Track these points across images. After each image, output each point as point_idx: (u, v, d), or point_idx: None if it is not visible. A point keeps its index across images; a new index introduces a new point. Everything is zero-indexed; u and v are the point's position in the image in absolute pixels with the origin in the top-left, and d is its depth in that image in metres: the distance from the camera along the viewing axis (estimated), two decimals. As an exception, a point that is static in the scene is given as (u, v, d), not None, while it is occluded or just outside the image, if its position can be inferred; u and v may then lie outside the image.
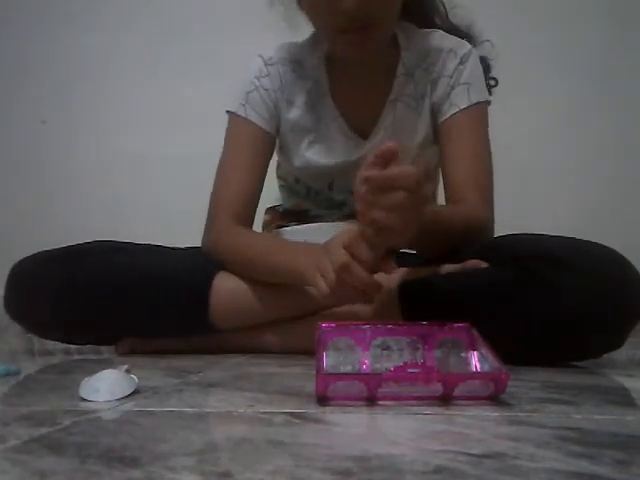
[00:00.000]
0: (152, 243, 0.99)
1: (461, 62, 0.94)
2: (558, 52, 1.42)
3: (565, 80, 1.43)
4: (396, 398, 0.50)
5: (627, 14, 1.42)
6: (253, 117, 0.96)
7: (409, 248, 0.86)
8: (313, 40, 1.00)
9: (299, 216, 1.08)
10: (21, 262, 0.93)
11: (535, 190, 1.39)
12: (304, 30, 0.95)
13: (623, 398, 0.58)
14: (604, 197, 1.39)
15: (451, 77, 0.94)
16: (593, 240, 0.78)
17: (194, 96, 1.52)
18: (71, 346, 1.04)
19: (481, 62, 0.99)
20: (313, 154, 0.99)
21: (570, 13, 1.43)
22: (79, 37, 1.61)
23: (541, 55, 1.43)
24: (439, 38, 0.97)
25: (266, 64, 0.98)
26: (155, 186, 1.55)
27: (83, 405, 0.50)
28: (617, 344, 0.77)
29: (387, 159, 0.61)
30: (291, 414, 0.45)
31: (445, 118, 0.94)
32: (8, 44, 1.65)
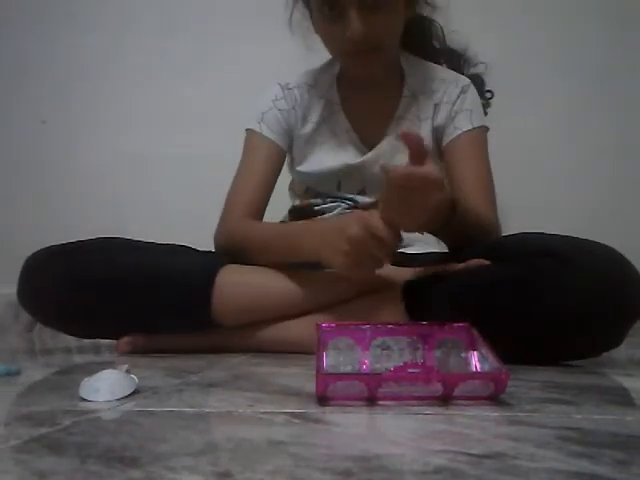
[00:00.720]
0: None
1: (462, 92, 1.04)
2: (558, 52, 1.42)
3: (565, 80, 1.42)
4: (396, 398, 0.50)
5: (627, 14, 1.42)
6: (267, 133, 1.06)
7: (428, 232, 0.90)
8: (328, 63, 1.10)
9: (306, 213, 1.11)
10: (33, 255, 0.94)
11: (535, 190, 1.39)
12: (321, 52, 1.03)
13: (623, 398, 0.58)
14: (604, 197, 1.39)
15: (453, 104, 1.03)
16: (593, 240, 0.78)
17: (194, 96, 1.52)
18: (71, 346, 1.04)
19: (476, 78, 1.10)
20: (322, 160, 1.07)
21: (570, 13, 1.43)
22: (79, 37, 1.61)
23: (541, 55, 1.43)
24: (441, 70, 1.08)
25: (283, 89, 1.09)
26: (155, 186, 1.55)
27: (83, 405, 0.50)
28: (616, 343, 0.77)
29: (418, 154, 0.70)
30: (291, 414, 0.45)
31: (450, 139, 1.02)
32: (8, 44, 1.64)
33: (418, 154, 0.71)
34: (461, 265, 0.84)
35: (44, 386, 0.65)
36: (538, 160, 1.41)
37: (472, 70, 1.13)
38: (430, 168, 0.71)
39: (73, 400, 0.52)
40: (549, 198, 1.41)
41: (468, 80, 1.06)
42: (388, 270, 0.91)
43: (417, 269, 0.89)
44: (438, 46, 1.13)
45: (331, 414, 0.46)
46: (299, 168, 1.09)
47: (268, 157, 1.05)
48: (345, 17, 0.91)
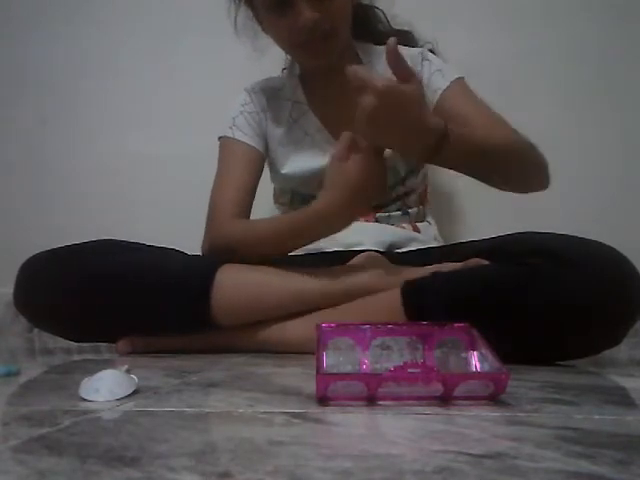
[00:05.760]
0: (153, 243, 0.99)
1: (423, 59, 1.05)
2: (558, 52, 1.42)
3: (565, 79, 1.42)
4: (396, 398, 0.50)
5: (628, 13, 1.42)
6: (240, 136, 1.07)
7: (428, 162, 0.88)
8: (289, 69, 1.13)
9: None
10: (29, 260, 0.94)
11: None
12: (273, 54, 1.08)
13: (623, 398, 0.58)
14: (604, 197, 1.39)
15: (420, 72, 1.03)
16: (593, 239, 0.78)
17: (194, 96, 1.52)
18: (71, 346, 1.04)
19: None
20: (302, 161, 1.07)
21: (570, 11, 1.42)
22: (79, 37, 1.61)
23: (541, 55, 1.42)
24: None
25: (250, 93, 1.11)
26: (155, 186, 1.55)
27: (83, 405, 0.50)
28: (616, 341, 0.77)
29: (403, 73, 0.71)
30: (291, 414, 0.45)
31: (435, 104, 1.01)
32: (8, 44, 1.64)
33: (402, 73, 0.70)
34: (460, 265, 0.84)
35: (44, 386, 0.65)
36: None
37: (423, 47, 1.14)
38: (415, 84, 0.71)
39: (73, 400, 0.52)
40: (549, 198, 1.40)
41: (421, 48, 1.09)
42: (387, 270, 0.91)
43: (416, 269, 0.88)
44: (383, 29, 1.15)
45: (331, 414, 0.46)
46: (281, 171, 1.09)
47: (245, 160, 1.05)
48: (294, 8, 0.93)
